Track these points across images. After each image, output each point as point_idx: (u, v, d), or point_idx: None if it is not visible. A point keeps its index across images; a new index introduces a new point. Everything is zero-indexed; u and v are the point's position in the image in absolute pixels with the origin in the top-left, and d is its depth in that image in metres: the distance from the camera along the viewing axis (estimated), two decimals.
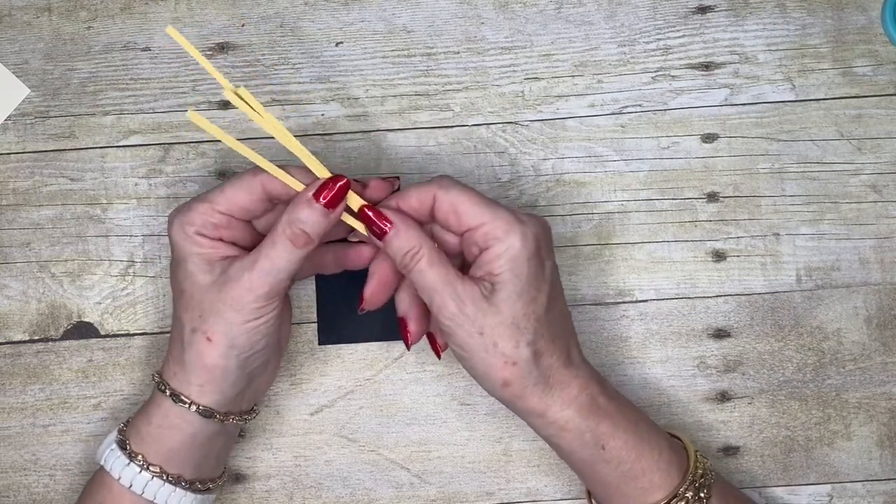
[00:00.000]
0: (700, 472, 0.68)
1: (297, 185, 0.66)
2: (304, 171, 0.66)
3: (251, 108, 0.65)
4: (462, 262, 0.68)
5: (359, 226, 0.67)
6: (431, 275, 0.65)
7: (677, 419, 0.76)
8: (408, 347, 0.69)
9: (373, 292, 0.69)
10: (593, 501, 0.71)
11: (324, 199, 0.65)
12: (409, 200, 0.66)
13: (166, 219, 0.76)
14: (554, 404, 0.66)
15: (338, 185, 0.65)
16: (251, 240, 0.68)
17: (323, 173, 0.66)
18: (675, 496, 0.66)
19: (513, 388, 0.65)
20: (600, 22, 0.77)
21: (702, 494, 0.67)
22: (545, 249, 0.66)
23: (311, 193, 0.65)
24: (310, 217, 0.65)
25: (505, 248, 0.64)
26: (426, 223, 0.68)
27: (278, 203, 0.68)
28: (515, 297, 0.64)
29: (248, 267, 0.65)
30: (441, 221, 0.66)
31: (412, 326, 0.69)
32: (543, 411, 0.66)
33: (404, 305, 0.69)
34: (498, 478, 0.76)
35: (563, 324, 0.67)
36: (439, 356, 0.70)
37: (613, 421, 0.67)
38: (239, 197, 0.67)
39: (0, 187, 0.77)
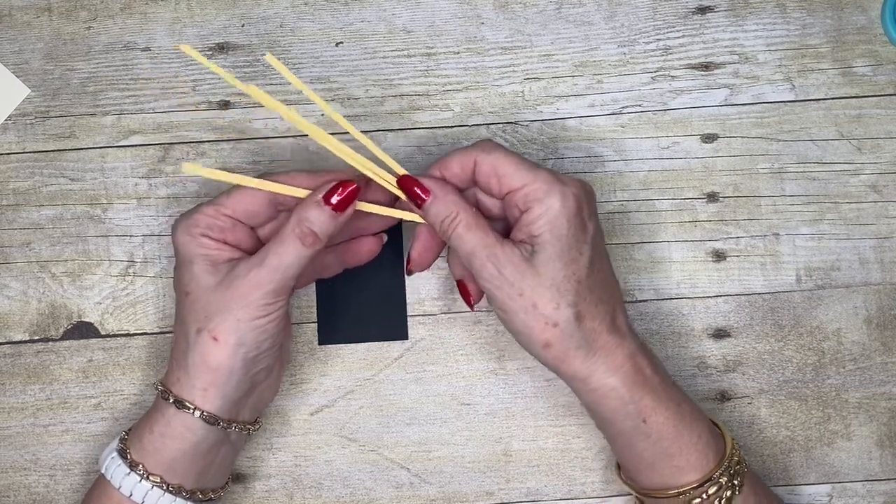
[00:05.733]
0: (735, 459, 0.67)
1: (302, 195, 0.67)
2: (308, 176, 0.67)
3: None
4: (506, 227, 0.69)
5: (379, 210, 0.68)
6: (470, 239, 0.65)
7: None
8: (471, 308, 0.71)
9: (419, 252, 0.70)
10: (622, 475, 0.71)
11: (333, 202, 0.65)
12: (450, 166, 0.67)
13: (167, 219, 0.76)
14: (598, 370, 0.65)
15: (348, 191, 0.66)
16: (254, 246, 0.69)
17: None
18: (709, 479, 0.66)
19: (554, 349, 0.65)
20: (600, 22, 0.77)
21: (735, 482, 0.66)
22: (587, 211, 0.66)
23: (320, 196, 0.66)
24: (318, 218, 0.65)
25: (545, 208, 0.64)
26: (469, 188, 0.68)
27: (283, 210, 0.68)
28: (556, 258, 0.64)
29: (256, 264, 0.65)
30: (483, 185, 0.67)
31: (471, 288, 0.70)
32: (587, 377, 0.66)
33: (458, 269, 0.70)
34: (498, 478, 0.76)
35: (607, 289, 0.67)
36: (471, 307, 0.70)
37: (657, 395, 0.66)
38: (245, 201, 0.67)
39: (0, 187, 0.77)
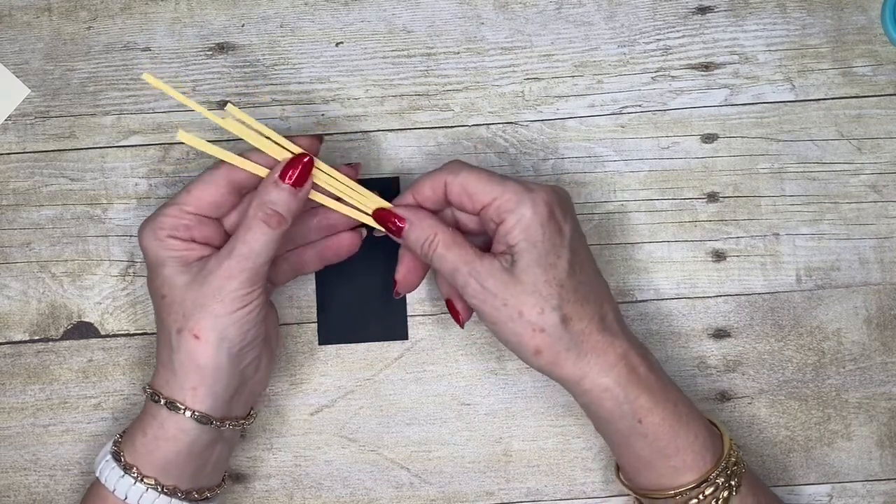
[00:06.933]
0: (733, 459, 0.67)
1: (261, 171, 0.67)
2: (264, 155, 0.68)
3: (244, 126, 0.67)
4: (487, 241, 0.69)
5: (341, 208, 0.69)
6: (450, 257, 0.66)
7: None
8: (461, 326, 0.71)
9: (403, 275, 0.70)
10: (621, 475, 0.71)
11: (290, 178, 0.66)
12: (422, 190, 0.68)
13: None
14: (591, 371, 0.66)
15: (301, 164, 0.67)
16: (221, 240, 0.69)
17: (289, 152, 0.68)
18: (705, 480, 0.66)
19: (545, 355, 0.65)
20: (600, 22, 0.77)
21: (732, 483, 0.67)
22: (561, 215, 0.66)
23: (277, 175, 0.66)
24: (279, 197, 0.66)
25: (517, 218, 0.65)
26: (444, 209, 0.69)
27: (245, 194, 0.69)
28: (534, 265, 0.65)
29: (226, 255, 0.65)
30: (456, 204, 0.68)
31: (458, 305, 0.70)
32: (580, 378, 0.66)
33: (445, 288, 0.71)
34: (498, 478, 0.76)
35: (593, 288, 0.67)
36: (461, 324, 0.71)
37: (653, 395, 0.66)
38: (206, 194, 0.67)
39: (0, 187, 0.77)
